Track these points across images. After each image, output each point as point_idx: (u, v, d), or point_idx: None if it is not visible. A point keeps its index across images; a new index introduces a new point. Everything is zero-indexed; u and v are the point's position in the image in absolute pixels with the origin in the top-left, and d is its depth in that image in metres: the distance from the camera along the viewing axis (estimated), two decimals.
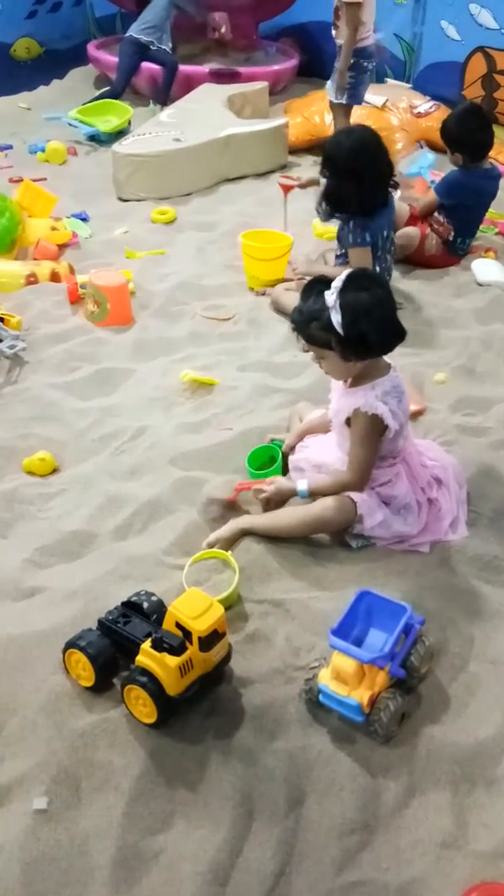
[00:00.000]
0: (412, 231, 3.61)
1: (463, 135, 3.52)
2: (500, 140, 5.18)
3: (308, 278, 2.19)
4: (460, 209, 3.62)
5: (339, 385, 2.09)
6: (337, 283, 1.93)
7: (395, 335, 1.97)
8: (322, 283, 1.99)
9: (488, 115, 3.70)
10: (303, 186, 3.61)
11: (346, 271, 1.97)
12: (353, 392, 2.02)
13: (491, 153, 4.90)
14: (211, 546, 2.05)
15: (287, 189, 3.61)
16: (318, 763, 1.60)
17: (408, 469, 2.11)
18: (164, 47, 5.67)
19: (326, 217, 3.21)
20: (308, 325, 1.98)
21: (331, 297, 1.91)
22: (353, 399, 2.00)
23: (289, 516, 2.10)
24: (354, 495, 2.05)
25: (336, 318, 1.89)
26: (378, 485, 2.09)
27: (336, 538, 2.12)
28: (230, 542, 2.07)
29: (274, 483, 2.13)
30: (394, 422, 1.97)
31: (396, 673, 1.66)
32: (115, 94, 5.69)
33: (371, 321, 1.90)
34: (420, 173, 4.54)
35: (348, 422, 2.03)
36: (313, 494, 2.07)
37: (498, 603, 1.98)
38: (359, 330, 1.90)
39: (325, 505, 2.05)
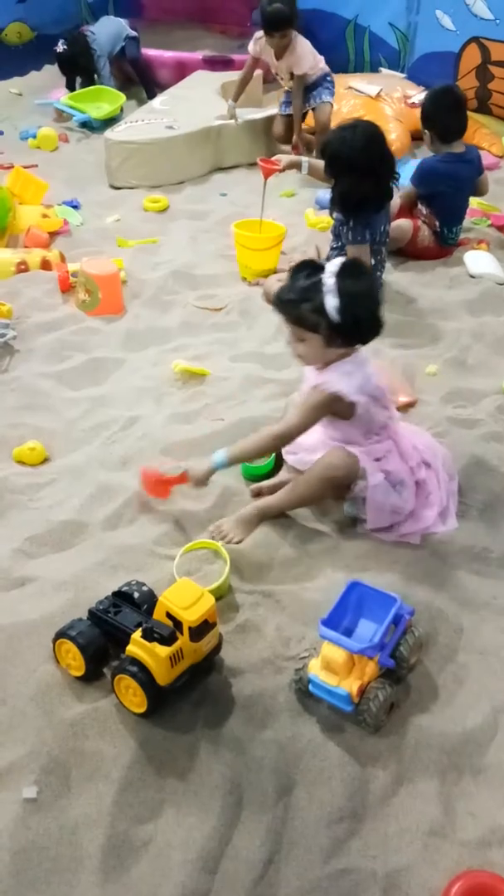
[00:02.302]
0: (405, 223, 3.58)
1: (435, 112, 3.50)
2: (494, 131, 5.19)
3: None
4: (438, 197, 3.56)
5: (311, 368, 2.10)
6: (333, 269, 1.93)
7: (379, 327, 2.01)
8: (311, 266, 2.00)
9: (464, 99, 3.63)
10: (283, 170, 3.41)
11: (339, 259, 1.98)
12: (325, 372, 2.03)
13: (484, 144, 4.94)
14: (220, 534, 2.05)
15: (268, 172, 3.39)
16: (308, 752, 1.60)
17: (398, 448, 2.13)
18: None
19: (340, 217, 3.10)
20: (299, 305, 1.97)
21: (329, 280, 1.92)
22: (321, 377, 2.02)
23: (296, 487, 2.11)
24: (355, 450, 2.06)
25: (332, 303, 1.90)
26: (373, 459, 2.10)
27: (339, 497, 2.13)
28: (251, 526, 2.08)
29: (188, 471, 2.12)
30: (359, 395, 1.99)
31: (386, 663, 1.67)
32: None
33: (364, 309, 1.94)
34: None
35: None
36: (235, 460, 2.07)
37: (487, 594, 1.99)
38: (352, 316, 1.92)
39: (326, 462, 2.06)
